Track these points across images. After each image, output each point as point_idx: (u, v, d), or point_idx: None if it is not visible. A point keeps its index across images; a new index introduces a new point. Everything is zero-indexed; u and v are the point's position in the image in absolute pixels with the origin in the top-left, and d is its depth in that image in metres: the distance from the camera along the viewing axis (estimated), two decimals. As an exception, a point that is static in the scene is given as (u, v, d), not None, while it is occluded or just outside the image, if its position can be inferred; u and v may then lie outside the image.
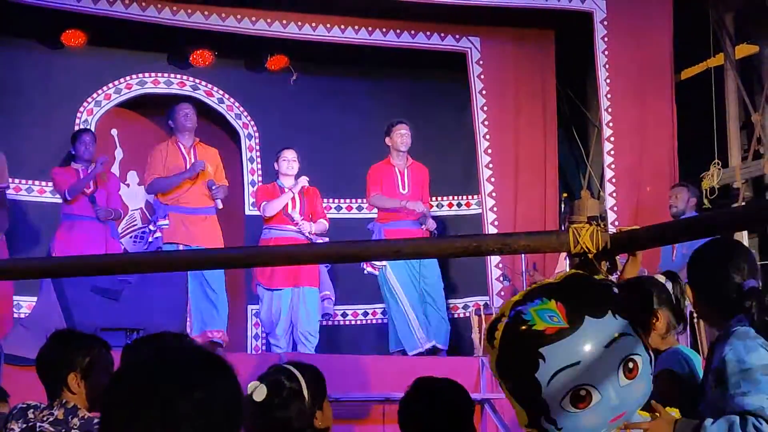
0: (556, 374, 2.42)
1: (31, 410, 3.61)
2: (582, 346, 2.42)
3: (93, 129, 9.96)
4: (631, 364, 2.46)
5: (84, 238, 8.74)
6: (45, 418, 3.54)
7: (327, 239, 9.03)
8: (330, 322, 9.69)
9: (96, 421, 3.50)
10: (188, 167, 8.94)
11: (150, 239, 9.05)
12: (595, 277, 2.68)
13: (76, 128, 9.92)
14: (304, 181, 9.07)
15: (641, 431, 3.02)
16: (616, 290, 2.58)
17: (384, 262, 9.10)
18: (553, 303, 2.48)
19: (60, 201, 9.11)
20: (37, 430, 3.51)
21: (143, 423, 1.65)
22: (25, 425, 3.56)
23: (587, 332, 2.43)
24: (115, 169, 10.26)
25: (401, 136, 9.34)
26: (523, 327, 2.48)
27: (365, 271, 9.34)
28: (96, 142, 9.18)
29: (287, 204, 9.03)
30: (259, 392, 3.41)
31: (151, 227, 9.00)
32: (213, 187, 8.89)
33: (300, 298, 8.91)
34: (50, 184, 9.40)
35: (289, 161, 9.10)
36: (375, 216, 9.74)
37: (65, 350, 3.71)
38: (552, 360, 2.42)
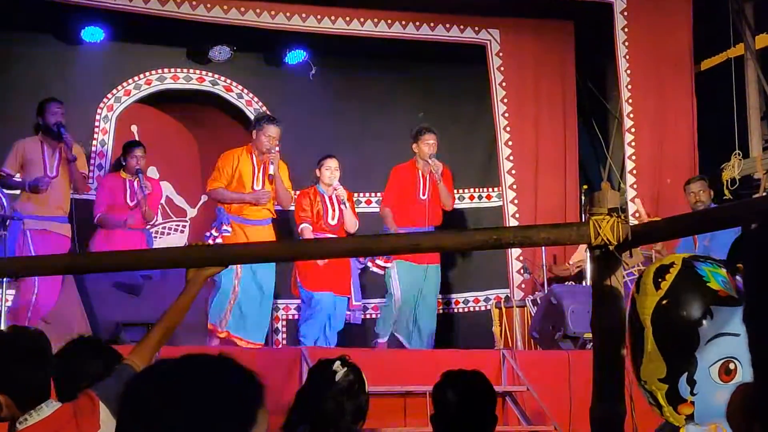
0: (717, 336, 2.43)
1: None
2: None
3: (113, 125, 10.01)
4: None
5: (122, 246, 8.65)
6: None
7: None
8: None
9: None
10: (256, 186, 8.82)
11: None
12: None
13: (97, 124, 9.99)
14: (341, 190, 9.03)
15: None
16: None
17: (392, 264, 9.17)
18: (725, 272, 2.49)
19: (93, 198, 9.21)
20: None
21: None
22: None
23: None
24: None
25: (428, 145, 9.32)
26: (698, 280, 2.48)
27: (370, 269, 9.33)
28: (146, 154, 9.17)
29: (325, 212, 9.04)
30: (343, 376, 3.68)
31: (214, 233, 8.84)
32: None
33: (335, 305, 8.98)
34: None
35: (332, 170, 9.07)
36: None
37: (81, 360, 3.67)
38: (718, 321, 2.44)
